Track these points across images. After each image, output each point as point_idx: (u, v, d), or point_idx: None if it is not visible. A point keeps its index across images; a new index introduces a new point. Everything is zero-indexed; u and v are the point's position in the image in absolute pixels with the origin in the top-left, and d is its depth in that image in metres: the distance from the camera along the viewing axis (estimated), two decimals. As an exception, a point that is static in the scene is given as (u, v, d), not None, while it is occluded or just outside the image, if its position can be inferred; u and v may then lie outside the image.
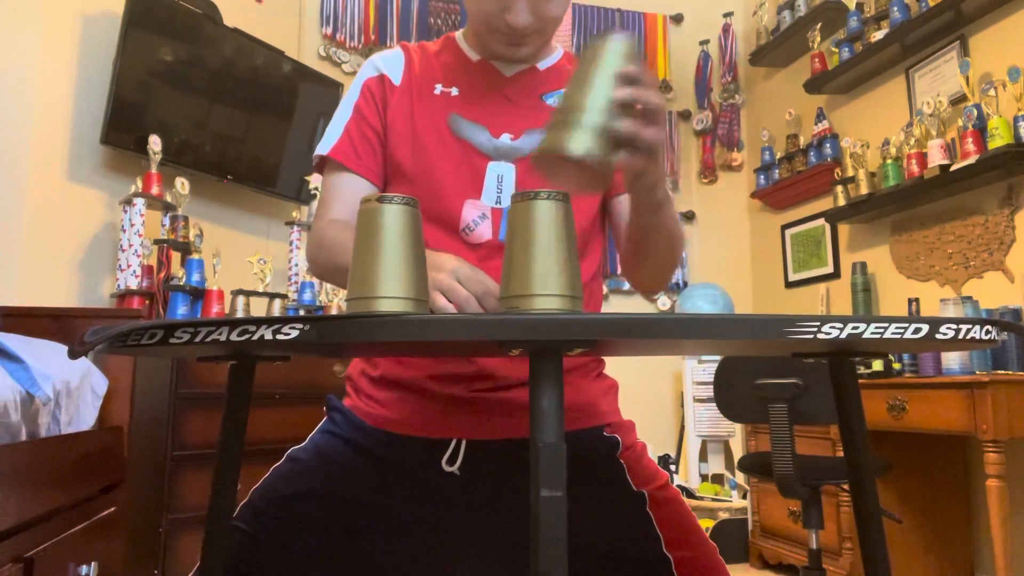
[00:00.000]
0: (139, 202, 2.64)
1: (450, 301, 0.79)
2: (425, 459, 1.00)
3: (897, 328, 0.61)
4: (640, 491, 1.02)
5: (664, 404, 4.06)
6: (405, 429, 1.01)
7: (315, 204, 3.26)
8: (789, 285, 3.96)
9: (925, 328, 0.63)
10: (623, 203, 1.13)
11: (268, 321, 0.57)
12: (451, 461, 0.99)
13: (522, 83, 1.11)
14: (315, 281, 3.11)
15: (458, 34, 1.16)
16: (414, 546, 0.99)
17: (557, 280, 0.64)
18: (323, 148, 1.09)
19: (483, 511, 0.99)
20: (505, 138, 1.06)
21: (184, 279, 2.72)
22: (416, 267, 0.67)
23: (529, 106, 1.09)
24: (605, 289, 3.78)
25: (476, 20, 1.06)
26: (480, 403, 1.00)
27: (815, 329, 0.60)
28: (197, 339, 0.58)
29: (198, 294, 2.74)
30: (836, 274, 3.63)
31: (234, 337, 0.57)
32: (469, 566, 0.99)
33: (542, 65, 1.14)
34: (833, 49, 3.50)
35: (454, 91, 1.09)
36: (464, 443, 1.00)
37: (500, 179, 1.04)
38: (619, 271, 4.05)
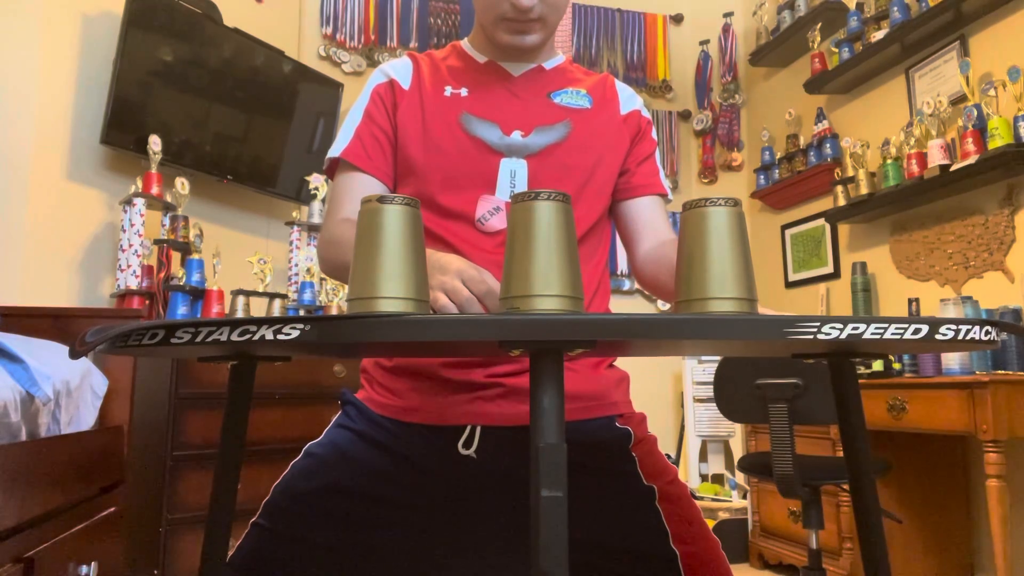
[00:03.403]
0: (139, 202, 2.64)
1: (452, 301, 0.80)
2: (440, 445, 1.00)
3: (897, 329, 0.61)
4: (650, 485, 1.02)
5: (664, 404, 4.06)
6: (420, 417, 1.02)
7: (315, 204, 3.25)
8: (789, 285, 3.96)
9: (925, 329, 0.63)
10: (639, 208, 1.15)
11: (269, 321, 0.57)
12: (467, 445, 1.00)
13: (530, 81, 1.14)
14: (315, 281, 3.11)
15: (463, 41, 1.19)
16: (431, 535, 0.99)
17: (558, 280, 0.64)
18: (335, 151, 1.11)
19: (499, 492, 0.99)
20: (516, 135, 1.07)
21: (184, 279, 2.72)
22: (416, 267, 0.67)
23: (537, 103, 1.11)
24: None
25: (482, 9, 1.08)
26: (496, 389, 1.01)
27: (815, 329, 0.60)
28: (198, 339, 0.58)
29: (198, 294, 2.74)
30: (836, 274, 3.63)
31: (235, 337, 0.57)
32: (485, 552, 1.00)
33: (548, 64, 1.16)
34: (833, 49, 3.50)
35: (464, 91, 1.11)
36: (479, 428, 1.00)
37: (513, 175, 1.06)
38: (619, 270, 4.05)
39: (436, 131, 1.07)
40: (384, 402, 1.05)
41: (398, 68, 1.14)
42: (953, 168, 2.75)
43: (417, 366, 1.04)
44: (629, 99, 1.19)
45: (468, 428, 1.00)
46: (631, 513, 1.00)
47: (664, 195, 1.18)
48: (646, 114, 1.21)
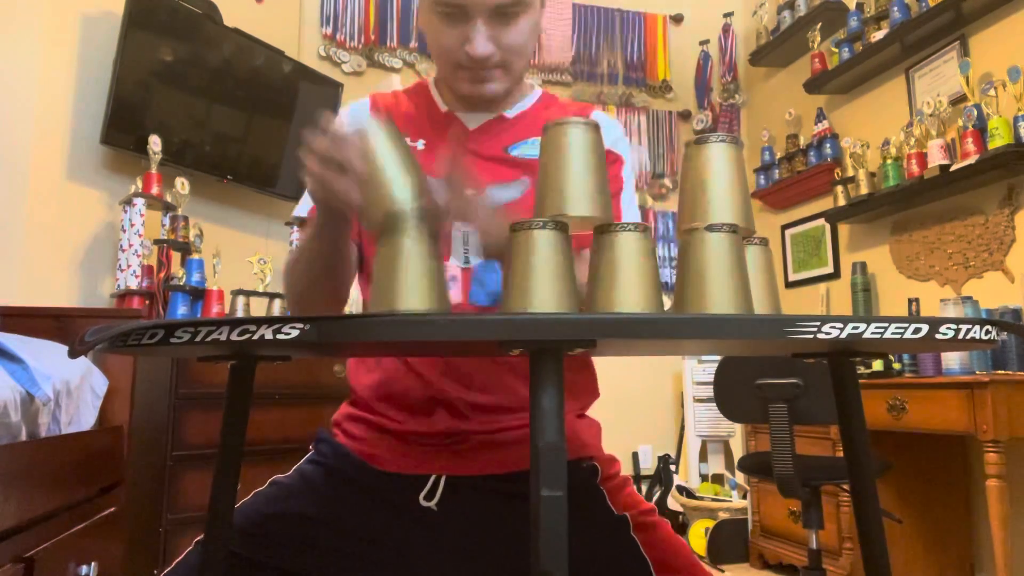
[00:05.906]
0: (139, 202, 2.64)
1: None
2: (403, 493, 1.00)
3: (897, 328, 0.61)
4: (623, 515, 1.01)
5: (664, 404, 4.05)
6: (385, 465, 1.01)
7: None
8: (789, 285, 3.96)
9: (925, 328, 0.63)
10: None
11: (268, 321, 0.57)
12: (429, 497, 0.98)
13: (487, 135, 1.08)
14: (315, 281, 3.10)
15: (431, 80, 1.14)
16: (391, 573, 0.98)
17: (589, 198, 0.68)
18: (303, 209, 1.09)
19: (459, 544, 0.98)
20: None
21: (184, 279, 2.72)
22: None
23: (494, 160, 1.06)
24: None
25: (439, 59, 1.03)
26: (464, 444, 1.01)
27: (815, 329, 0.60)
28: (197, 339, 0.58)
29: (198, 294, 2.74)
30: (836, 274, 3.63)
31: (234, 337, 0.57)
32: None
33: (511, 112, 1.10)
34: (833, 49, 3.50)
35: (420, 144, 1.06)
36: (443, 479, 0.99)
37: (466, 239, 1.01)
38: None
39: None
40: (352, 446, 1.05)
41: (356, 113, 1.10)
42: (953, 168, 2.75)
43: (381, 423, 1.03)
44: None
45: (432, 479, 0.99)
46: (606, 546, 0.98)
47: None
48: (619, 150, 1.12)
